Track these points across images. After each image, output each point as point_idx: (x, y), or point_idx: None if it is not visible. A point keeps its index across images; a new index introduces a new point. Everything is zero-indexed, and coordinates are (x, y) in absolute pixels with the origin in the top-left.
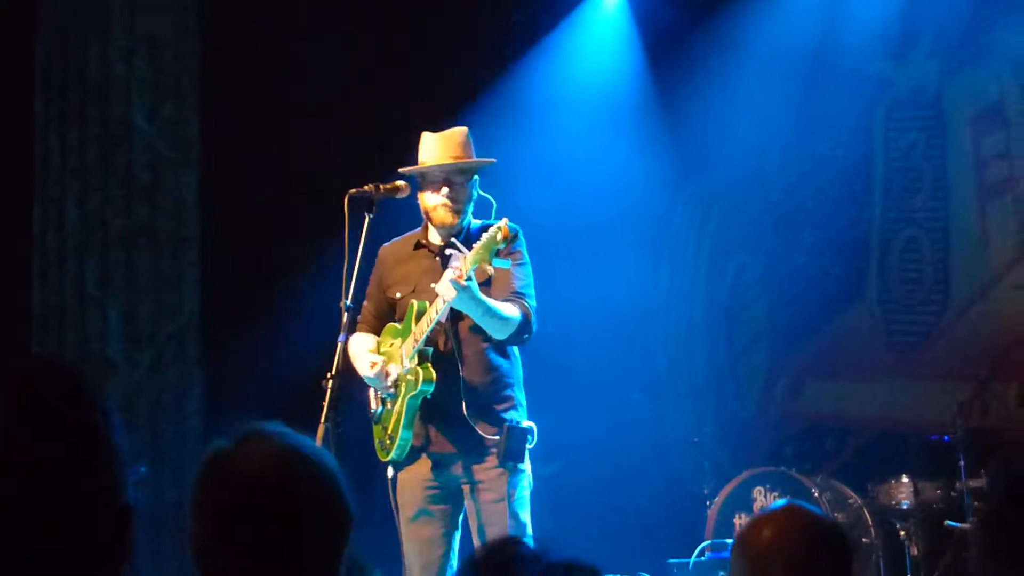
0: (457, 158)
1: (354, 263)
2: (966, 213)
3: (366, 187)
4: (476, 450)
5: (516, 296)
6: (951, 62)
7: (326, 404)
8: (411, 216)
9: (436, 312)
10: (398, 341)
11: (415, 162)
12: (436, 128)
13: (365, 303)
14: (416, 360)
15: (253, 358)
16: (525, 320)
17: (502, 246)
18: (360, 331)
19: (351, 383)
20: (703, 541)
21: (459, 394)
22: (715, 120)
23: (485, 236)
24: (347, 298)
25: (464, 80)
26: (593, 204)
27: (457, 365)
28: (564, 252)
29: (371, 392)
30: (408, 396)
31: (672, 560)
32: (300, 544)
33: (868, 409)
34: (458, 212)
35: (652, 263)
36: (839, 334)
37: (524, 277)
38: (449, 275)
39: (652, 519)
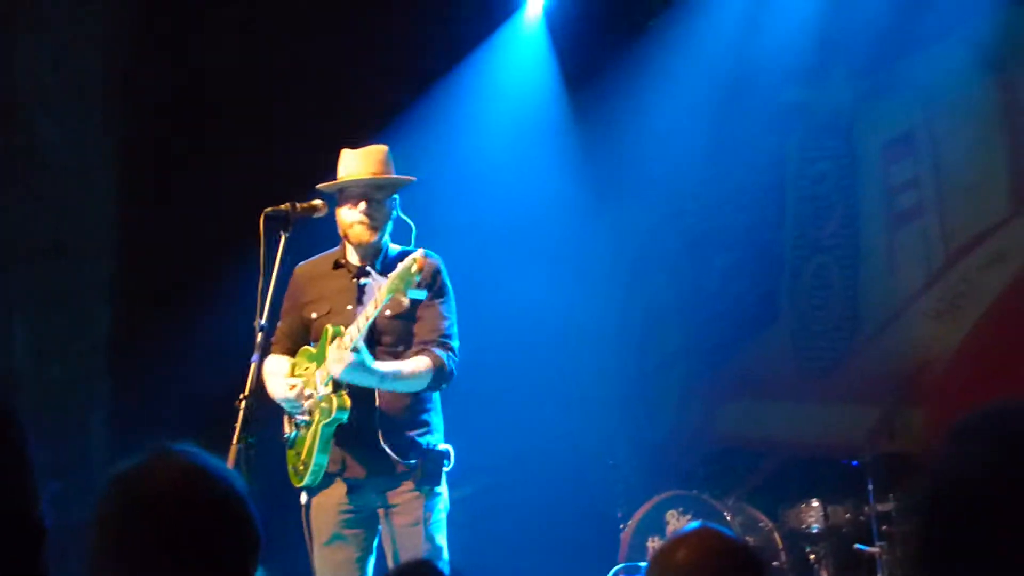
0: (376, 174)
1: (269, 282)
2: (875, 241)
3: (282, 205)
4: (391, 475)
5: (441, 340)
6: (864, 89)
7: (238, 425)
8: (328, 235)
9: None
10: (313, 365)
11: (334, 179)
12: (356, 145)
13: (279, 323)
14: (331, 387)
15: (164, 376)
16: (439, 371)
17: (416, 278)
18: (275, 352)
19: (264, 405)
20: (616, 564)
21: (375, 421)
22: (631, 142)
23: (400, 267)
24: (261, 318)
25: (383, 98)
26: (511, 225)
27: (372, 392)
28: (480, 272)
29: (285, 416)
30: (322, 423)
31: None
32: (203, 564)
33: (780, 432)
34: (375, 229)
35: (568, 283)
36: (752, 357)
37: (448, 315)
38: (333, 354)
39: (566, 541)
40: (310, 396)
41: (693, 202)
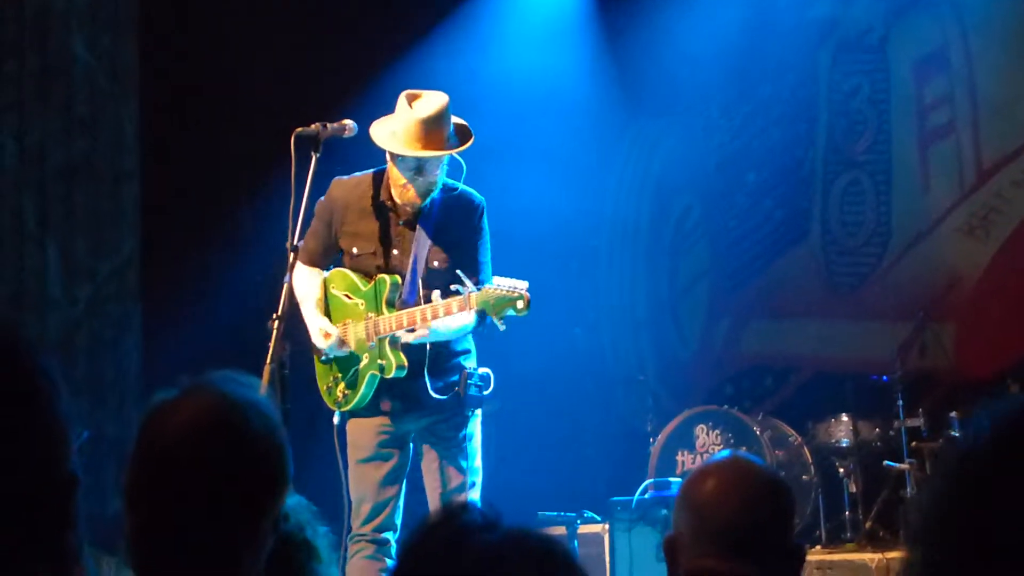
0: (441, 148)
1: (300, 202)
2: (908, 157)
3: (312, 126)
4: (435, 397)
5: (477, 284)
6: (897, 4)
7: (272, 346)
8: (359, 157)
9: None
10: (360, 303)
11: (375, 107)
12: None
13: (309, 238)
14: (387, 344)
15: (194, 295)
16: (479, 321)
17: (515, 315)
18: (302, 262)
19: (294, 321)
20: (646, 479)
21: (424, 362)
22: (661, 60)
23: (506, 289)
24: (293, 239)
25: (412, 15)
26: (541, 142)
27: (425, 345)
28: (508, 186)
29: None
30: (371, 372)
31: (615, 498)
32: (224, 498)
33: (808, 348)
34: (426, 195)
35: (596, 201)
36: (781, 274)
37: (486, 254)
38: (404, 335)
39: (595, 457)
40: (350, 343)
41: (723, 119)
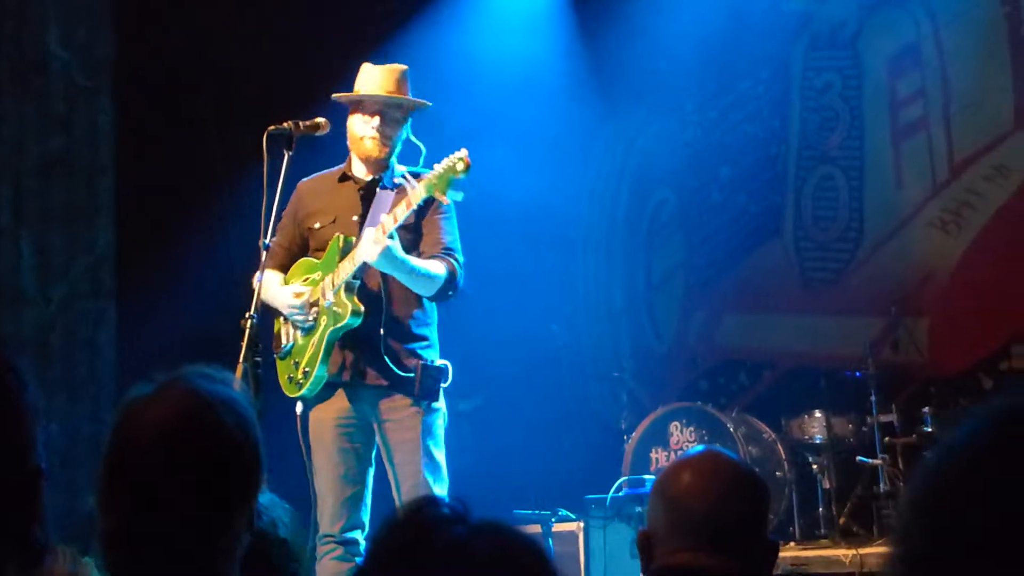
0: (394, 93)
1: (273, 201)
2: (880, 152)
3: (285, 124)
4: (392, 383)
5: (445, 252)
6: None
7: (245, 343)
8: (332, 155)
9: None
10: (317, 274)
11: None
12: (368, 61)
13: (275, 237)
14: (342, 292)
15: (168, 292)
16: (451, 277)
17: (463, 177)
18: (269, 268)
19: (265, 321)
20: (621, 476)
21: (379, 327)
22: (635, 58)
23: (444, 163)
24: (266, 237)
25: (387, 10)
26: (516, 136)
27: (382, 299)
28: (485, 177)
29: (281, 327)
30: (330, 328)
31: (590, 496)
32: (198, 496)
33: (782, 343)
34: (386, 146)
35: (572, 196)
36: (755, 269)
37: (452, 231)
38: (369, 235)
39: (570, 454)
40: (315, 303)
41: (697, 114)
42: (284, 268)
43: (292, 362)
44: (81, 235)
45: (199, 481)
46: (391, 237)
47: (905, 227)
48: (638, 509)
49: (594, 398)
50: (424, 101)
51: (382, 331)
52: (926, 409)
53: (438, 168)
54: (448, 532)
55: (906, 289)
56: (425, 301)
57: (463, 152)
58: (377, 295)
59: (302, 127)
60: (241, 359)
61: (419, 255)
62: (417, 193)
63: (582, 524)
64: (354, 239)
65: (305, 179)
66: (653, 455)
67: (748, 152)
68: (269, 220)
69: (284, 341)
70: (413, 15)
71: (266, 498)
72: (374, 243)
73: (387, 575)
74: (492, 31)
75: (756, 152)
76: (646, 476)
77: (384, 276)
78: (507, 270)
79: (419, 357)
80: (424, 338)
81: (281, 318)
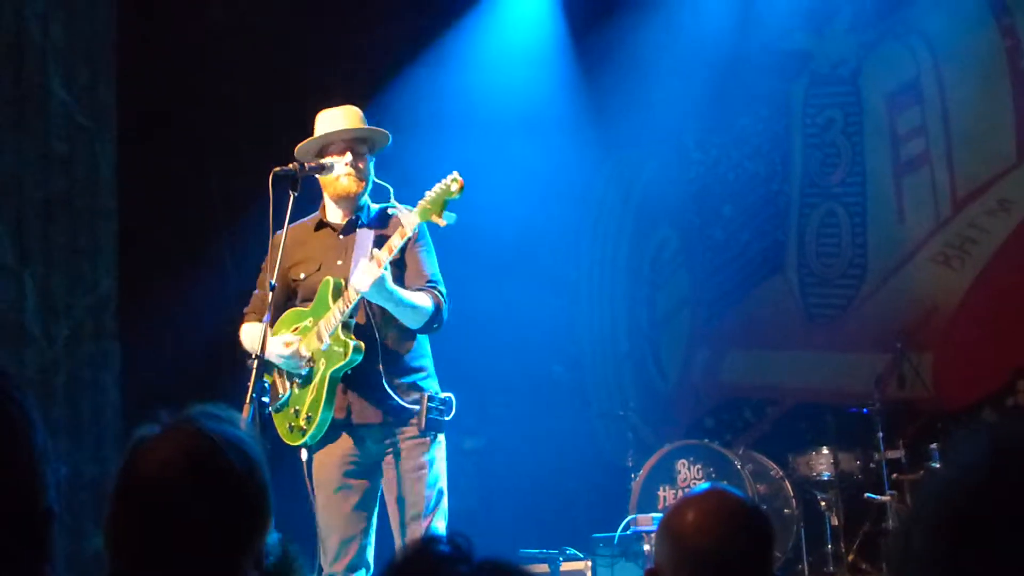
0: (355, 126)
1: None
2: (883, 188)
3: (290, 165)
4: (397, 418)
5: (429, 284)
6: (869, 36)
7: (252, 383)
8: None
9: (355, 292)
10: (308, 321)
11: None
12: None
13: (256, 292)
14: (340, 331)
15: (172, 333)
16: (437, 310)
17: (457, 198)
18: (249, 321)
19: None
20: (628, 515)
21: (377, 362)
22: (636, 95)
23: (437, 187)
24: (272, 277)
25: (384, 55)
26: (518, 178)
27: (375, 335)
28: (487, 218)
29: (276, 379)
30: (331, 369)
31: (597, 535)
32: (206, 537)
33: (787, 380)
34: (362, 179)
35: (574, 234)
36: (758, 306)
37: (432, 263)
38: (363, 266)
39: (577, 493)
40: (307, 355)
41: (699, 151)
42: (269, 318)
43: (292, 410)
44: (84, 276)
45: (207, 522)
46: (385, 268)
47: (909, 263)
48: (646, 547)
49: (599, 436)
50: (384, 131)
51: (380, 367)
52: (933, 445)
53: (431, 193)
54: (453, 571)
55: (911, 324)
56: (417, 334)
57: (455, 174)
58: (371, 332)
59: (307, 168)
60: (248, 399)
61: (404, 288)
62: (411, 220)
63: (590, 563)
64: (343, 281)
65: (280, 231)
66: (660, 493)
67: (750, 189)
68: (275, 261)
69: (280, 392)
70: (413, 53)
71: (274, 538)
72: (367, 273)
73: None
74: (491, 68)
75: (758, 189)
76: (654, 514)
77: (374, 311)
78: (509, 310)
79: (421, 389)
80: (422, 369)
81: (276, 370)
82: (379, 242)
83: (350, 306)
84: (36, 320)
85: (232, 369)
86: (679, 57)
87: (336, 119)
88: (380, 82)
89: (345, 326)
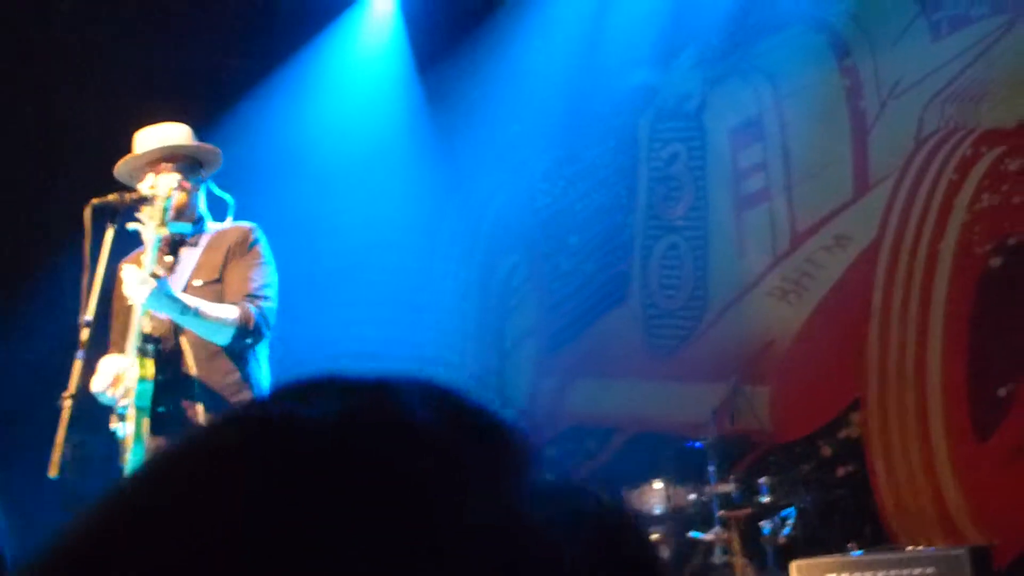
0: (164, 142)
1: (94, 276)
2: (724, 222)
3: (110, 196)
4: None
5: (249, 298)
6: (715, 72)
7: (62, 425)
8: None
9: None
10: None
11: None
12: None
13: (113, 323)
14: (137, 360)
15: None
16: (244, 325)
17: (167, 203)
18: (112, 352)
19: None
20: None
21: (194, 400)
22: (484, 123)
23: (160, 202)
24: (85, 313)
25: (225, 84)
26: (365, 206)
27: (187, 367)
28: (333, 257)
29: (112, 416)
30: (135, 403)
31: None
32: None
33: (629, 410)
34: (164, 203)
35: (425, 262)
36: (603, 335)
37: (262, 277)
38: (134, 277)
39: None
40: (117, 388)
41: (545, 183)
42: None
43: (123, 447)
44: None
45: None
46: (154, 276)
47: (747, 296)
48: None
49: None
50: (207, 146)
51: (199, 406)
52: (762, 479)
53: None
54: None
55: (749, 357)
56: (244, 364)
57: (173, 180)
58: (181, 364)
59: (128, 199)
60: (59, 441)
61: (215, 281)
62: (149, 231)
63: None
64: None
65: (124, 259)
66: None
67: (596, 220)
68: (89, 296)
69: (120, 431)
70: (250, 85)
71: None
72: (140, 284)
73: None
74: (339, 103)
75: (604, 220)
76: None
77: (177, 340)
78: (359, 344)
79: (248, 391)
80: (245, 380)
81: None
82: (205, 260)
83: (137, 327)
84: None
85: (45, 407)
86: (526, 88)
87: (141, 140)
88: (216, 110)
89: (143, 351)
